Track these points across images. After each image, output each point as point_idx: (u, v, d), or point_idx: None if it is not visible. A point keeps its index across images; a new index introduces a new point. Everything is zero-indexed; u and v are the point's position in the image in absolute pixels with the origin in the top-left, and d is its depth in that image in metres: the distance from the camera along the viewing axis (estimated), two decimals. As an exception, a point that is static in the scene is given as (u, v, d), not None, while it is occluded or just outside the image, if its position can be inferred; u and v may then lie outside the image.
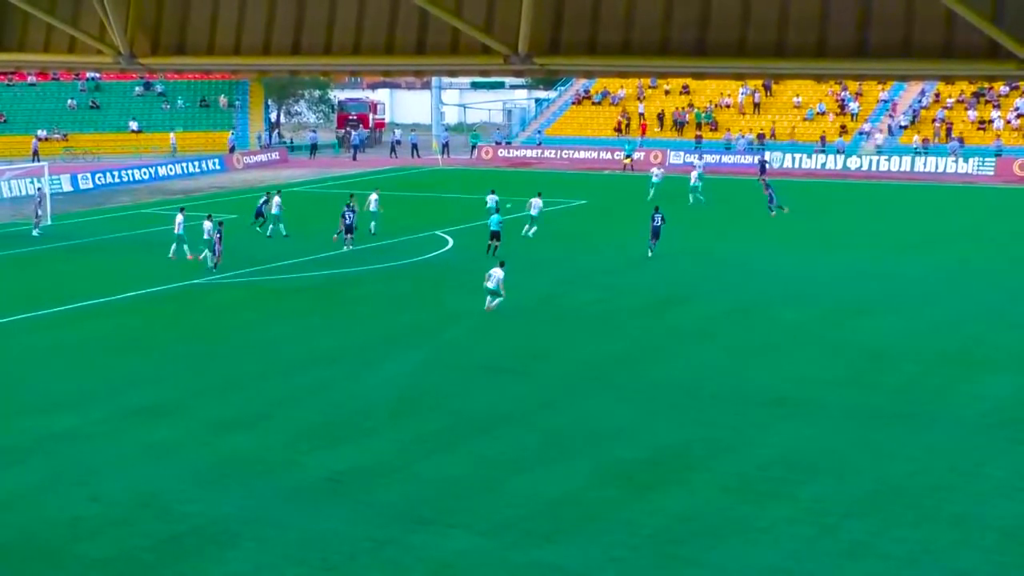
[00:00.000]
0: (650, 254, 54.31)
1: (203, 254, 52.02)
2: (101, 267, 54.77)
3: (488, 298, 42.97)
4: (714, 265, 53.03)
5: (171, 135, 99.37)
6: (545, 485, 27.03)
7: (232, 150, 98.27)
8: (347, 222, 56.17)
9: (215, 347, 39.41)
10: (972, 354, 37.75)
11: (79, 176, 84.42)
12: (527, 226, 59.67)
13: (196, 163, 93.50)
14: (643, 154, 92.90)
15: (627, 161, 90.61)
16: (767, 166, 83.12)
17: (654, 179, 74.20)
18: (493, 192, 61.77)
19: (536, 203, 60.17)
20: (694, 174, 73.16)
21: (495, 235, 53.92)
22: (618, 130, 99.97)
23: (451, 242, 59.38)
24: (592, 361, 37.10)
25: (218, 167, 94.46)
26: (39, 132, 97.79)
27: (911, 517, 25.15)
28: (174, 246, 54.09)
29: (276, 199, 60.80)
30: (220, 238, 50.62)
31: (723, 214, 69.02)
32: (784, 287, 47.97)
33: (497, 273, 42.90)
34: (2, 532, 24.97)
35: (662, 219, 55.00)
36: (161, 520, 25.43)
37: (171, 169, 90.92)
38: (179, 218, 54.54)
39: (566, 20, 12.45)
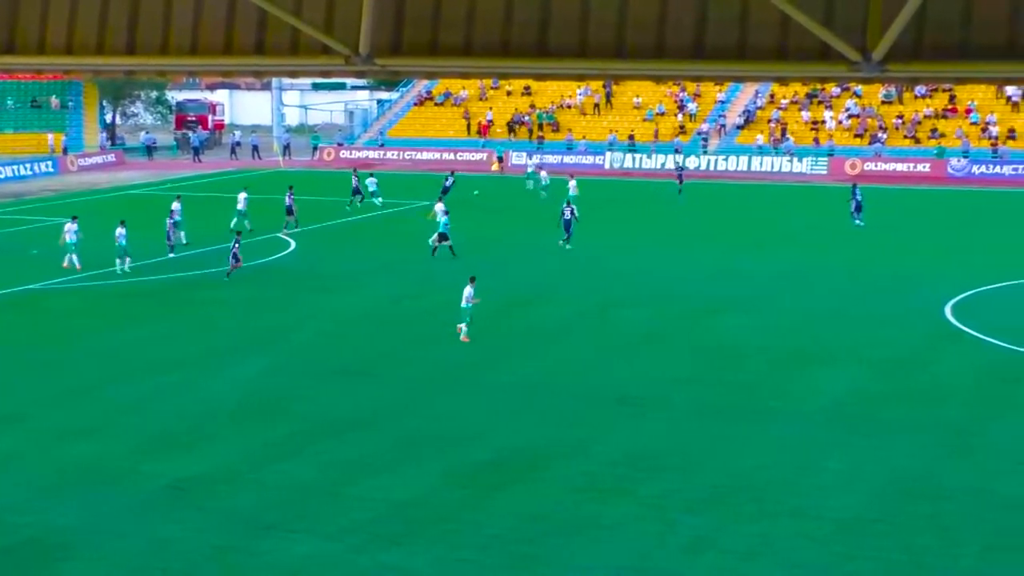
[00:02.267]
0: (567, 246, 55.65)
1: (67, 259, 50.99)
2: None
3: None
4: (571, 265, 53.26)
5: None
6: (393, 488, 27.02)
7: (65, 152, 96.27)
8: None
9: (56, 354, 38.65)
10: (812, 351, 38.52)
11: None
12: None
13: (27, 165, 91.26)
14: (485, 155, 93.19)
15: (496, 165, 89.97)
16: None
17: (543, 180, 74.88)
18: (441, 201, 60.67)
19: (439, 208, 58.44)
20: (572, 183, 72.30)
21: (443, 236, 54.11)
22: (480, 133, 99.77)
23: (293, 244, 58.94)
24: (442, 363, 37.13)
25: (51, 169, 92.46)
26: None
27: (752, 511, 25.63)
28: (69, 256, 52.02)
29: (176, 205, 58.92)
30: (237, 247, 49.04)
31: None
32: (636, 287, 48.37)
33: (467, 291, 39.19)
34: None
35: (572, 212, 56.63)
36: (-3, 532, 24.97)
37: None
38: (70, 226, 52.42)
39: (407, 21, 12.50)
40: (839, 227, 63.58)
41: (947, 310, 43.60)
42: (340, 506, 26.09)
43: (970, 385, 34.69)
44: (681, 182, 77.41)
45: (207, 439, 30.48)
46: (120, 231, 51.41)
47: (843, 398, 33.49)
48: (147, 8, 13.31)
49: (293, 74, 13.60)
